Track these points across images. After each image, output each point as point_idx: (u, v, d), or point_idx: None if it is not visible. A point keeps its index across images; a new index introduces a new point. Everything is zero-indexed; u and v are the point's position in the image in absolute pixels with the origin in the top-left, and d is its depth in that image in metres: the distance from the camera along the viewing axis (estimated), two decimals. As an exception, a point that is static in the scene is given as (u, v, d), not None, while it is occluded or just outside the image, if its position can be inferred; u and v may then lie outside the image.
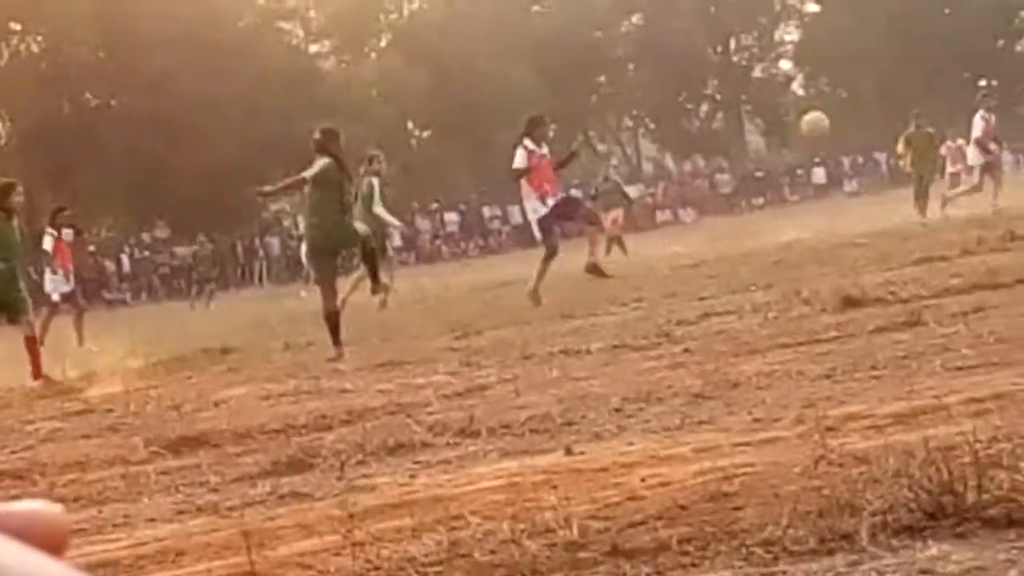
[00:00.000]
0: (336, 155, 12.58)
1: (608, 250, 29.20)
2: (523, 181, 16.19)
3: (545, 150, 16.45)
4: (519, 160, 16.18)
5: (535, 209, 16.18)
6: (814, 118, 20.40)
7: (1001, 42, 71.24)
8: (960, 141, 34.86)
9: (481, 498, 4.86)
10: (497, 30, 63.29)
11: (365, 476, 5.73)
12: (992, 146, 24.25)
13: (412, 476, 5.59)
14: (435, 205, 57.02)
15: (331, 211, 12.50)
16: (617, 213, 29.51)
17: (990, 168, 24.08)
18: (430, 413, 7.37)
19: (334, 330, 12.19)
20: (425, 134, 64.69)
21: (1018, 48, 72.76)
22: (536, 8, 69.24)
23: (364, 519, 4.78)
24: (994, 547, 3.50)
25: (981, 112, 24.03)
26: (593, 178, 32.99)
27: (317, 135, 12.78)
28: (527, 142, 16.29)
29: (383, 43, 67.91)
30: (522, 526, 4.22)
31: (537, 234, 16.32)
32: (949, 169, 31.92)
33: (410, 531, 4.48)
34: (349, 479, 5.71)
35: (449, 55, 61.37)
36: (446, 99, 60.01)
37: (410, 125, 64.09)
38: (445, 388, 8.48)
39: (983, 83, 69.59)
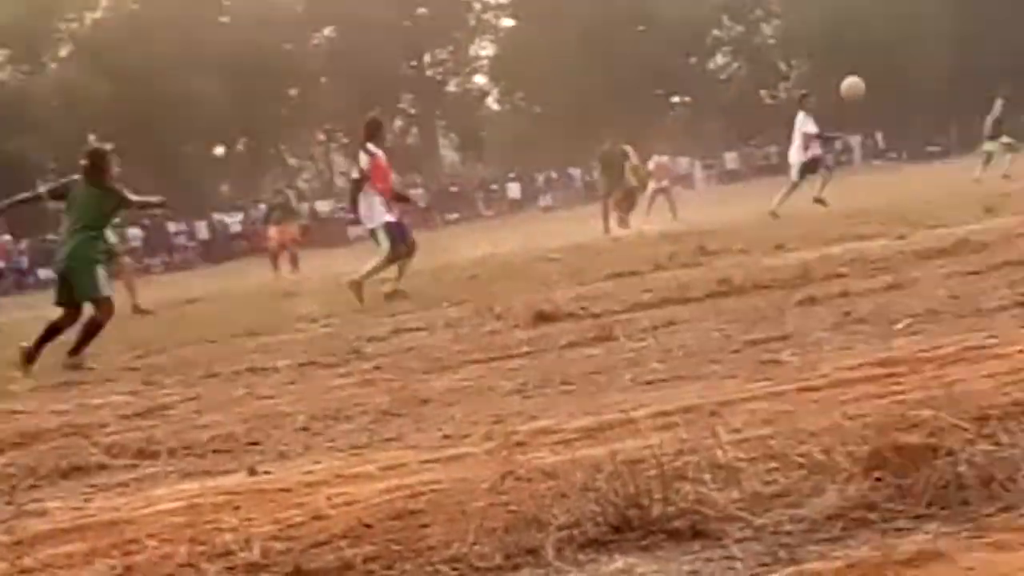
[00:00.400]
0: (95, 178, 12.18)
1: (275, 266, 29.00)
2: (367, 186, 15.85)
3: (382, 153, 16.20)
4: (364, 164, 15.93)
5: (383, 214, 15.82)
6: (852, 81, 20.61)
7: (694, 59, 73.52)
8: (664, 157, 35.57)
9: (159, 521, 4.65)
10: (183, 40, 62.18)
11: (36, 500, 5.45)
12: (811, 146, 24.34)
13: (87, 500, 5.34)
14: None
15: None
16: (288, 228, 29.32)
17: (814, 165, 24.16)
18: (108, 434, 7.08)
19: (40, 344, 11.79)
20: (107, 147, 63.01)
21: (710, 65, 75.19)
22: (224, 19, 68.34)
23: (34, 545, 4.53)
24: (679, 559, 3.49)
25: (802, 113, 24.21)
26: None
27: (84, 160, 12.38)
28: (370, 146, 16.01)
29: (63, 53, 66.02)
30: (201, 549, 4.04)
31: (384, 239, 15.75)
32: (653, 186, 32.54)
33: (83, 557, 4.27)
34: (19, 504, 5.42)
35: (132, 66, 59.99)
36: (129, 111, 58.65)
37: (92, 138, 62.28)
38: (124, 408, 8.17)
39: (676, 99, 71.65)
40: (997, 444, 3.91)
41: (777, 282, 10.28)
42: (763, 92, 72.96)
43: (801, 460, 4.11)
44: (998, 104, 30.88)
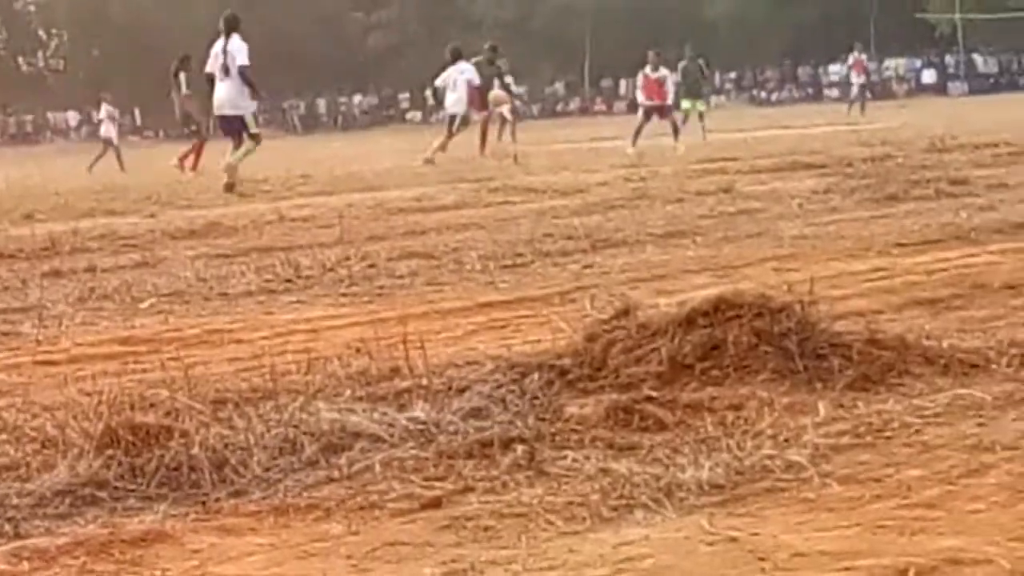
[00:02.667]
0: None
1: None
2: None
3: None
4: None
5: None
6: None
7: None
8: None
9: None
10: None
11: None
12: None
13: None
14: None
15: None
16: None
17: None
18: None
19: None
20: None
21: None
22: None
23: None
24: None
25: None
26: None
27: None
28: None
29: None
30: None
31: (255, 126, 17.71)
32: None
33: None
34: None
35: None
36: None
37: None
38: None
39: None
40: (232, 428, 3.96)
41: (23, 253, 9.99)
42: (20, 59, 70.55)
43: (33, 434, 4.01)
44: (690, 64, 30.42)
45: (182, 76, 24.17)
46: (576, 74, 65.11)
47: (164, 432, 3.80)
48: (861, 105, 39.70)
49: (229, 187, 16.54)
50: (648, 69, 27.15)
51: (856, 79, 42.34)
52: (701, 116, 29.03)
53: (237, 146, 17.53)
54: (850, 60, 43.02)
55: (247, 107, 17.70)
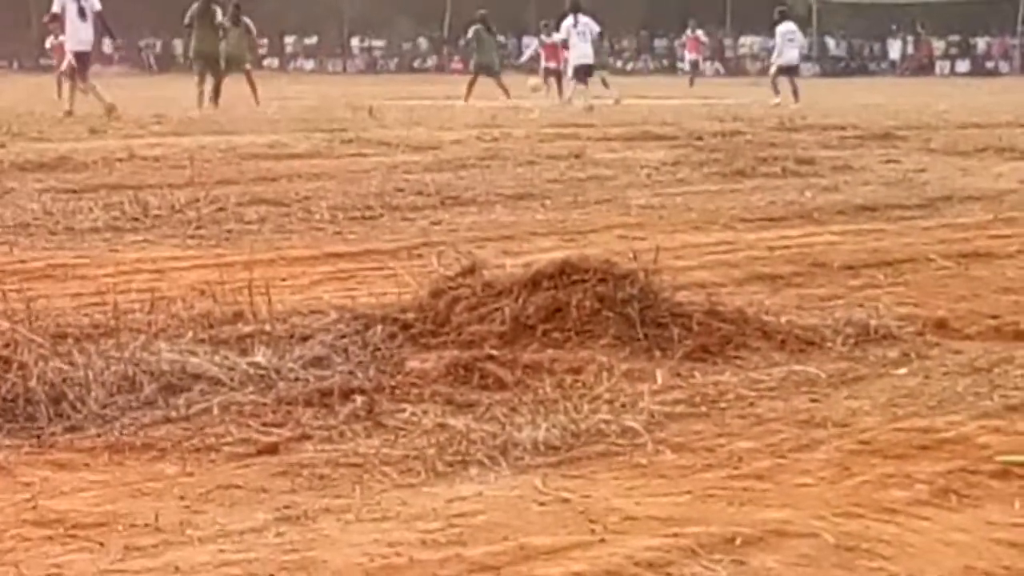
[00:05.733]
0: None
1: None
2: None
3: None
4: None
5: None
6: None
7: None
8: None
9: None
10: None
11: None
12: None
13: None
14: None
15: None
16: None
17: None
18: None
19: None
20: None
21: None
22: None
23: None
24: None
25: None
26: None
27: None
28: None
29: None
30: None
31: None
32: None
33: None
34: None
35: None
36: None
37: None
38: None
39: None
40: (71, 364, 3.92)
41: None
42: None
43: None
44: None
45: (245, 19, 24.49)
46: (438, 31, 64.89)
47: (2, 364, 3.75)
48: (691, 81, 39.76)
49: (110, 110, 18.37)
50: None
51: (689, 56, 42.50)
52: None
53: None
54: (683, 38, 43.29)
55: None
